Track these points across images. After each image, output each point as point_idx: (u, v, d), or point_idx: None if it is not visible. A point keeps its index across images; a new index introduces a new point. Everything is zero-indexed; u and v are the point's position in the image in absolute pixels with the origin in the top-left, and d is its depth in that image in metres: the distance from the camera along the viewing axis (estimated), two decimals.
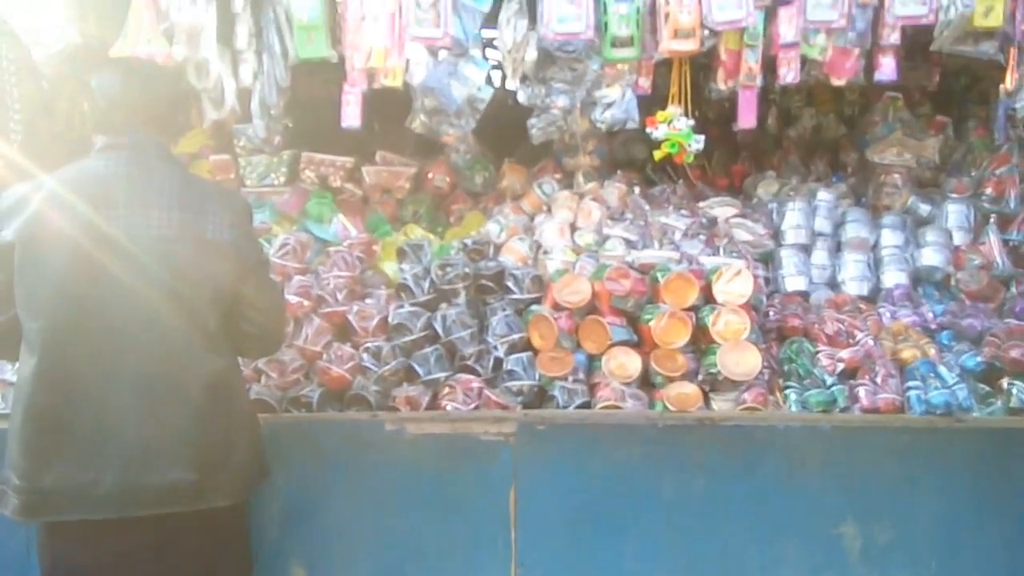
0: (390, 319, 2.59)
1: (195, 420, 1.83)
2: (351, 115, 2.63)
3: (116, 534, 1.81)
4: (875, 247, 3.02)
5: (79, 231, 1.77)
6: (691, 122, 2.67)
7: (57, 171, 1.91)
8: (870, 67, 2.70)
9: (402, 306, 2.62)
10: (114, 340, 1.78)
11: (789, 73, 2.62)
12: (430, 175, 3.49)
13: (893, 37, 2.60)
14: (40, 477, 1.76)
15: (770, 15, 2.60)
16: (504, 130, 3.82)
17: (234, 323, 1.93)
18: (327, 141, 3.36)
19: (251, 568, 2.11)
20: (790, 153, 4.11)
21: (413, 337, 2.56)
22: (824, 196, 3.11)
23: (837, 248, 3.04)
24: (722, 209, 3.06)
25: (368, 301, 2.65)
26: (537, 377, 2.51)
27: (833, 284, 2.98)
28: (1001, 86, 2.63)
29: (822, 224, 3.05)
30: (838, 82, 2.69)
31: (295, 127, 3.39)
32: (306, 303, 2.60)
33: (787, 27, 2.57)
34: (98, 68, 1.98)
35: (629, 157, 3.86)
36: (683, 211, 3.01)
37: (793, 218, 3.00)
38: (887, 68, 2.64)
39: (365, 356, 2.52)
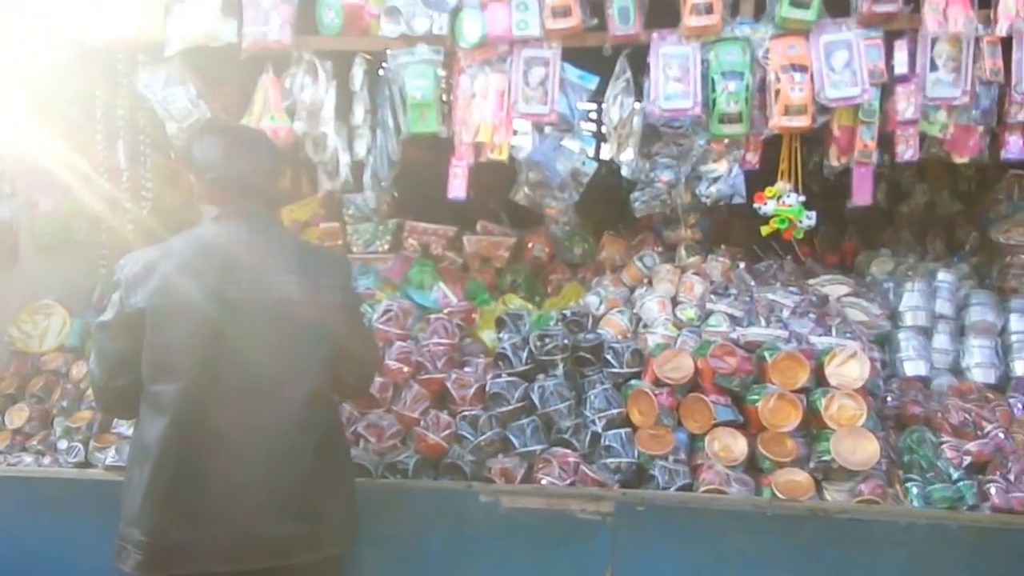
0: (487, 388, 2.63)
1: (309, 475, 1.92)
2: (458, 187, 2.74)
3: None
4: (1003, 332, 2.87)
5: (208, 297, 1.89)
6: (802, 198, 2.64)
7: (177, 238, 2.03)
8: (995, 144, 2.62)
9: (500, 375, 2.65)
10: (242, 401, 1.88)
11: (908, 151, 2.57)
12: (529, 245, 3.56)
13: (1022, 115, 2.52)
14: (167, 533, 1.85)
15: (887, 91, 2.58)
16: (602, 202, 3.88)
17: (336, 374, 2.03)
18: (430, 210, 3.50)
19: None
20: (902, 230, 4.01)
21: (510, 407, 2.57)
22: (945, 277, 2.99)
23: (960, 332, 2.90)
24: (833, 287, 2.98)
25: (466, 369, 2.70)
26: (636, 455, 2.46)
27: (956, 370, 2.84)
28: None
29: (943, 306, 2.92)
30: (960, 160, 2.62)
31: (400, 196, 3.55)
32: (406, 369, 2.67)
33: (905, 104, 2.53)
34: (200, 138, 2.06)
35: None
36: (791, 288, 2.94)
37: (912, 299, 2.89)
38: (1015, 146, 2.55)
39: (462, 424, 2.55)
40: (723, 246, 3.23)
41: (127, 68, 3.04)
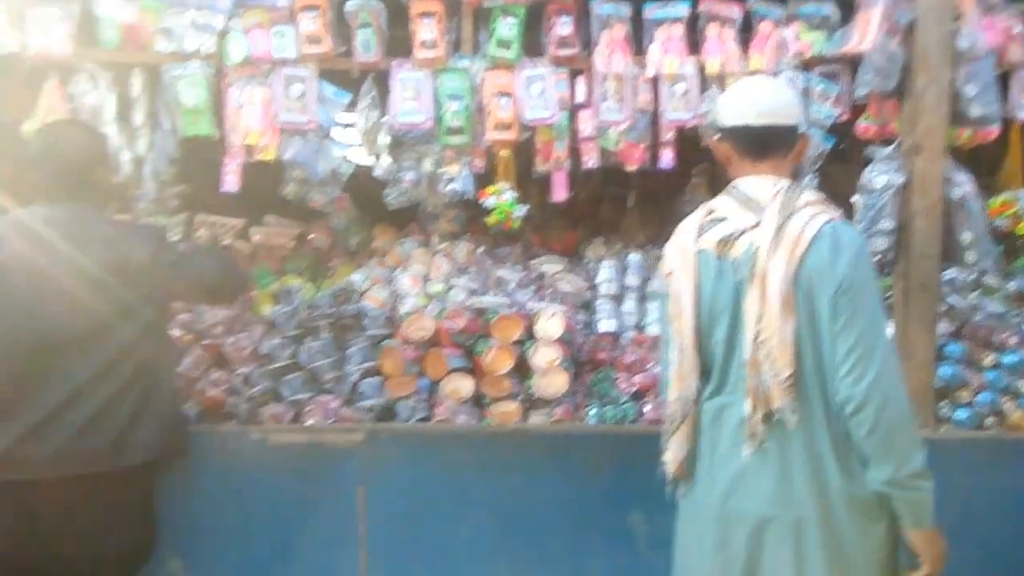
0: (260, 350, 2.93)
1: (116, 392, 2.24)
2: (230, 182, 3.00)
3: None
4: None
5: (35, 260, 2.22)
6: (515, 194, 3.16)
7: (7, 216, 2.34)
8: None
9: (272, 339, 2.96)
10: (67, 341, 2.24)
11: (590, 160, 3.14)
12: (312, 236, 3.87)
13: (669, 135, 3.15)
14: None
15: (572, 114, 3.13)
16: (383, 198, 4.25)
17: (187, 296, 2.61)
18: (233, 205, 3.69)
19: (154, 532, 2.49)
20: (630, 224, 4.73)
21: (280, 364, 2.89)
22: (634, 257, 3.62)
23: (643, 299, 3.57)
24: (550, 266, 3.56)
25: (242, 335, 2.98)
26: (385, 397, 2.87)
27: (641, 328, 3.49)
28: None
29: (631, 279, 3.54)
30: (631, 168, 3.24)
31: (194, 193, 3.73)
32: (188, 336, 2.91)
33: (586, 125, 3.10)
34: (35, 136, 2.44)
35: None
36: (518, 266, 3.49)
37: (605, 274, 3.50)
38: (666, 158, 3.16)
39: (237, 380, 2.84)
40: (468, 234, 3.72)
41: None
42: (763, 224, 1.84)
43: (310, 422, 2.76)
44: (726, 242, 1.88)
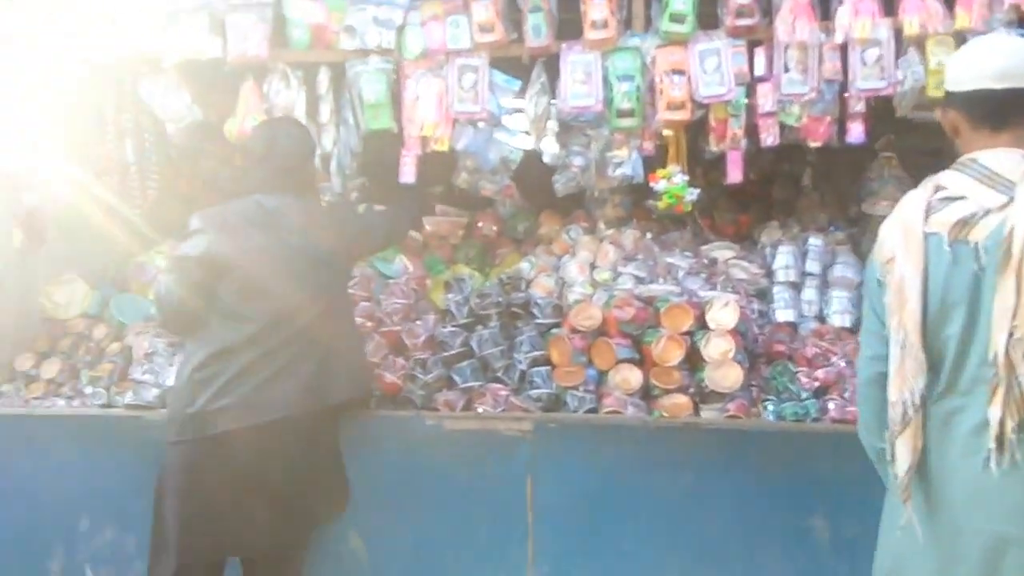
0: (435, 337, 3.00)
1: (328, 342, 2.55)
2: (408, 173, 3.09)
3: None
4: (861, 286, 3.26)
5: (267, 243, 2.52)
6: (686, 177, 3.00)
7: (236, 202, 2.60)
8: (843, 131, 2.98)
9: (445, 327, 3.04)
10: (294, 311, 2.54)
11: (769, 137, 2.93)
12: (480, 224, 3.93)
13: (859, 106, 2.88)
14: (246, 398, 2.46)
15: (750, 89, 2.93)
16: (548, 185, 4.24)
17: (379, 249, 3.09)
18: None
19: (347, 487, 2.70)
20: (807, 205, 4.40)
21: (453, 352, 2.95)
22: (814, 241, 3.38)
23: (825, 286, 3.29)
24: (721, 252, 3.38)
25: (418, 322, 3.08)
26: (553, 387, 2.86)
27: (821, 317, 3.24)
28: None
29: (812, 265, 3.30)
30: (815, 144, 2.98)
31: (372, 185, 3.91)
32: (368, 324, 3.04)
33: (765, 99, 2.88)
34: (254, 132, 2.81)
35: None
36: (687, 253, 3.34)
37: (782, 259, 3.27)
38: (855, 132, 2.90)
39: (414, 367, 2.92)
40: (634, 220, 3.61)
41: (131, 79, 3.36)
42: (1017, 203, 1.61)
43: (481, 409, 2.80)
44: (965, 224, 1.66)
